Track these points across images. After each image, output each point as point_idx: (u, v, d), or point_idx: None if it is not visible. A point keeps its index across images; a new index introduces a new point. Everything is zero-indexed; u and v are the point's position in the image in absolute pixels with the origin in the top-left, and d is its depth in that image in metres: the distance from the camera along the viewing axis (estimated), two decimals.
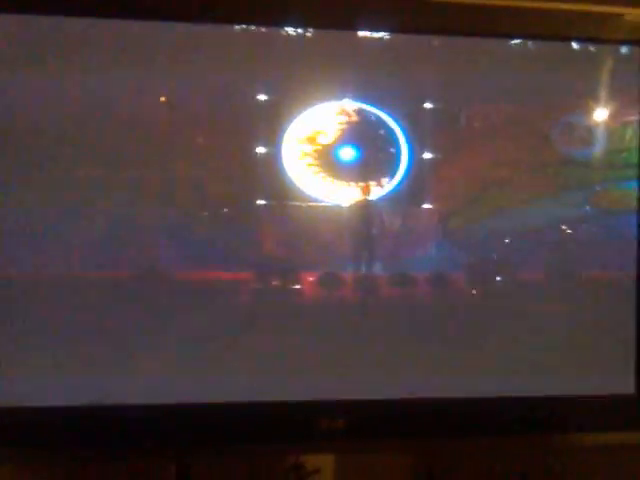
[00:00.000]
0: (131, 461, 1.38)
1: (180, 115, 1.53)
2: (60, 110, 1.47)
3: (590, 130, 1.63)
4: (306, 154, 1.65)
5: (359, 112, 1.65)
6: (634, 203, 1.56)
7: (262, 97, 1.59)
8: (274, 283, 1.56)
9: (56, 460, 1.39)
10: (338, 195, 1.63)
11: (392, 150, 1.67)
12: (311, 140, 1.65)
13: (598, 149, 1.62)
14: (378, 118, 1.66)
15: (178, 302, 1.50)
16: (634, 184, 1.59)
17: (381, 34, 1.55)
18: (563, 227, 1.64)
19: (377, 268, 1.61)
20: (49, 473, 1.41)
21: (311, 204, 1.63)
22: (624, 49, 1.58)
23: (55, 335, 1.42)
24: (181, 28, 1.50)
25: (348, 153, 1.63)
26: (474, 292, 1.63)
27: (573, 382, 1.49)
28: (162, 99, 1.54)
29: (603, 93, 1.57)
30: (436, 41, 1.59)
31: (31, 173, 1.45)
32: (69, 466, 1.39)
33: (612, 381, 1.48)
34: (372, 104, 1.65)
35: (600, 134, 1.62)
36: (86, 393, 1.39)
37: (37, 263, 1.47)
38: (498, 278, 1.63)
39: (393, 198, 1.65)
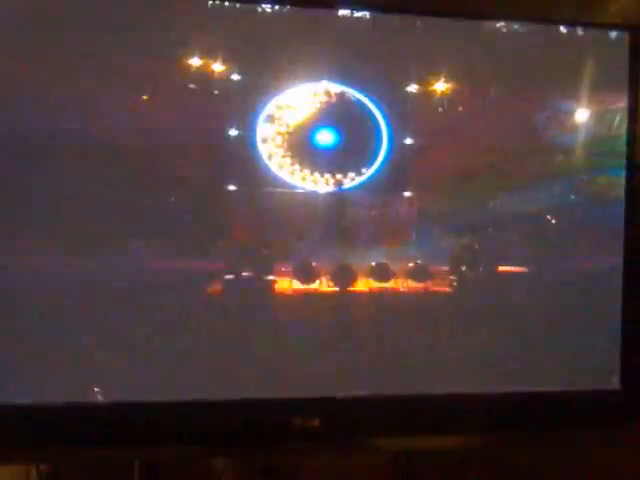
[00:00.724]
0: (95, 461, 1.31)
1: (149, 96, 1.46)
2: None
3: (577, 117, 1.59)
4: (281, 138, 1.58)
5: (338, 95, 1.59)
6: (621, 192, 1.53)
7: (236, 77, 1.53)
8: (246, 274, 1.49)
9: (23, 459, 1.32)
10: (315, 181, 1.57)
11: (372, 135, 1.61)
12: (286, 123, 1.58)
13: (585, 136, 1.58)
14: (358, 101, 1.60)
15: (145, 294, 1.42)
16: (621, 172, 1.55)
17: (362, 13, 1.48)
18: (548, 217, 1.60)
19: (355, 258, 1.55)
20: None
21: (286, 191, 1.57)
22: (612, 34, 1.55)
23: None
24: (150, 3, 1.42)
25: (326, 137, 1.57)
26: (455, 284, 1.58)
27: (557, 377, 1.45)
28: (129, 81, 1.46)
29: (590, 79, 1.54)
30: (419, 22, 1.53)
31: None
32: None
33: (597, 376, 1.45)
34: (351, 86, 1.60)
35: (587, 121, 1.58)
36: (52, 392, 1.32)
37: None
38: (480, 269, 1.58)
39: (372, 185, 1.59)
